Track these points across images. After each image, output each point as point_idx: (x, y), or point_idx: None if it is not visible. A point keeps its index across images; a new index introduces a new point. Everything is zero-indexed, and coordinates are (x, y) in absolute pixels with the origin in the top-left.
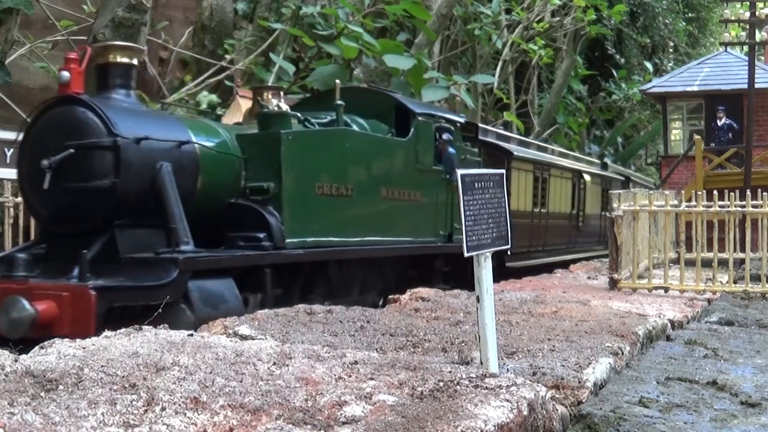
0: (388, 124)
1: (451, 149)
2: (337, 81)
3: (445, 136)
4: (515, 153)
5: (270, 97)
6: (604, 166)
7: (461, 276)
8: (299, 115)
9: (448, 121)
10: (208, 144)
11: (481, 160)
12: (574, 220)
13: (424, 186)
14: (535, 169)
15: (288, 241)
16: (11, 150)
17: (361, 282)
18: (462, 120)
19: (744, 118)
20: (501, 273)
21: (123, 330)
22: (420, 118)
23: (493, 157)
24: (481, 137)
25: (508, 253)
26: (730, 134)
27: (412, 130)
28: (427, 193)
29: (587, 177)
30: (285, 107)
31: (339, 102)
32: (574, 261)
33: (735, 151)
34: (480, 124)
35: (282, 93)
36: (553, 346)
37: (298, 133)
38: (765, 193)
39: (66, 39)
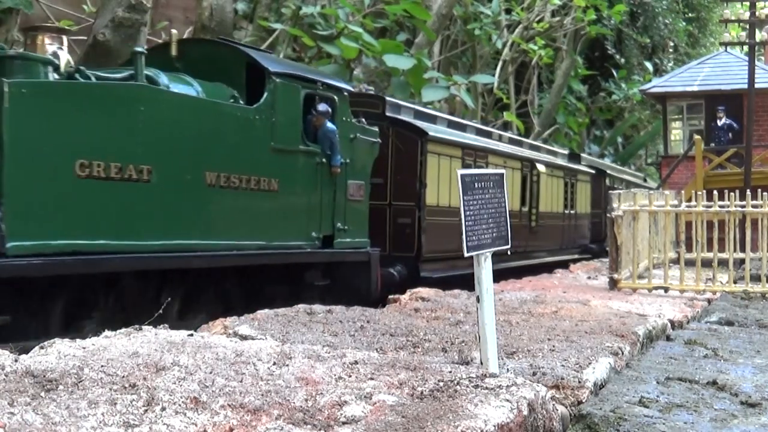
0: (236, 86)
1: (330, 125)
2: (173, 31)
3: (321, 107)
4: (431, 133)
5: (46, 40)
6: (575, 158)
7: (345, 290)
8: (59, 61)
9: (328, 87)
10: None
11: (392, 142)
12: (525, 219)
13: (286, 172)
14: (465, 154)
15: (12, 245)
16: None
17: (180, 302)
18: (349, 87)
19: (744, 118)
20: (413, 282)
21: (123, 330)
22: (278, 80)
23: (404, 138)
24: (390, 114)
25: (420, 260)
26: (730, 134)
27: (265, 94)
28: (289, 182)
29: (542, 168)
30: (65, 57)
31: (139, 49)
32: (527, 270)
33: (735, 151)
34: (389, 98)
35: (65, 36)
36: (553, 346)
37: (41, 86)
38: (765, 193)
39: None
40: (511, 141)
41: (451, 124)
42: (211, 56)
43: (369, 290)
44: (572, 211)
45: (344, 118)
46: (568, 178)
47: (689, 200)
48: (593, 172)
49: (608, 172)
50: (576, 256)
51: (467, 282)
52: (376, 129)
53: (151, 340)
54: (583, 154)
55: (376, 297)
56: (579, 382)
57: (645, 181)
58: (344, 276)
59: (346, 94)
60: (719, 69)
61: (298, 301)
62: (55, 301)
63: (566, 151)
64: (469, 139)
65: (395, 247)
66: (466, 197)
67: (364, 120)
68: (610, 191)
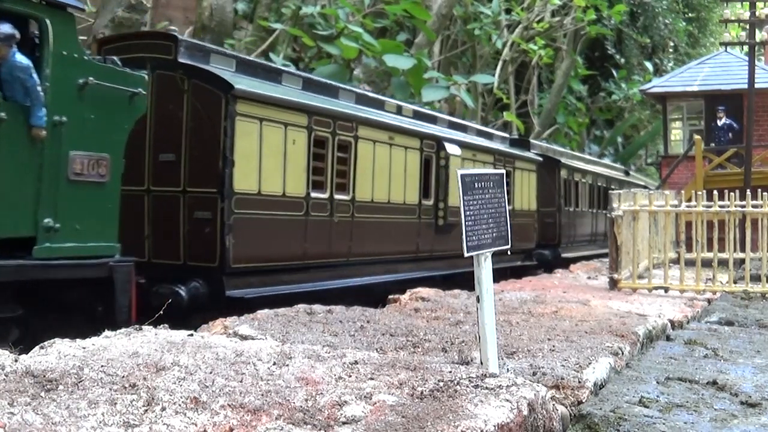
0: None
1: (20, 58)
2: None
3: (1, 28)
4: (240, 88)
5: None
6: (521, 144)
7: (63, 323)
8: None
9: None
10: None
11: (188, 99)
12: (428, 215)
13: None
14: (315, 123)
15: None
16: None
17: None
18: (75, 2)
19: (744, 118)
20: (216, 305)
21: (123, 330)
22: None
23: (202, 94)
24: (186, 60)
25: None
26: (730, 134)
27: None
28: None
29: (454, 149)
30: None
31: None
32: (424, 282)
33: (735, 151)
34: (186, 38)
35: None
36: (553, 346)
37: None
38: (765, 193)
39: None
40: (419, 115)
41: (312, 85)
42: None
43: (114, 320)
44: (509, 207)
45: (65, 52)
46: (501, 166)
47: (689, 200)
48: (540, 160)
49: (564, 161)
50: (517, 264)
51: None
52: (137, 74)
53: (151, 340)
54: (535, 141)
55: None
56: (579, 382)
57: (627, 175)
58: (66, 301)
59: (69, 11)
60: (719, 69)
61: None
62: None
63: (508, 135)
64: (329, 103)
65: (192, 255)
66: (466, 197)
67: (118, 60)
68: (611, 193)
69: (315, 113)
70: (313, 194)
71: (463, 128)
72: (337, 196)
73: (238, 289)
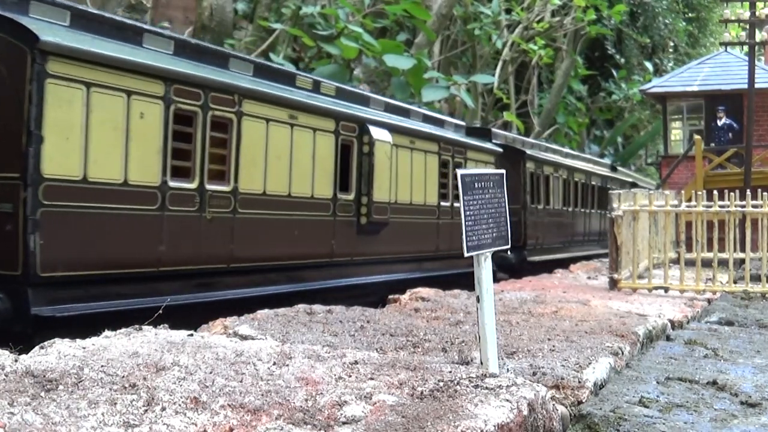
0: None
1: None
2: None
3: None
4: (49, 40)
5: None
6: (480, 133)
7: None
8: None
9: None
10: None
11: None
12: (347, 212)
13: None
14: (178, 94)
15: None
16: None
17: None
18: None
19: (744, 118)
20: (21, 327)
21: (123, 330)
22: None
23: (3, 49)
24: None
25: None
26: (730, 134)
27: None
28: None
29: (381, 134)
30: None
31: None
32: (341, 291)
33: (735, 151)
34: None
35: None
36: (553, 346)
37: None
38: (765, 193)
39: None
40: (344, 94)
41: (186, 50)
42: None
43: None
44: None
45: None
46: (448, 156)
47: (689, 200)
48: (499, 150)
49: (530, 153)
50: (470, 270)
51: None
52: None
53: (151, 340)
54: (499, 130)
55: None
56: (579, 382)
57: (614, 171)
58: None
59: None
60: (719, 69)
61: None
62: None
63: (464, 123)
64: (205, 71)
65: None
66: (466, 197)
67: None
68: (611, 193)
69: (176, 81)
70: (173, 183)
71: (403, 112)
72: (210, 187)
73: (52, 304)
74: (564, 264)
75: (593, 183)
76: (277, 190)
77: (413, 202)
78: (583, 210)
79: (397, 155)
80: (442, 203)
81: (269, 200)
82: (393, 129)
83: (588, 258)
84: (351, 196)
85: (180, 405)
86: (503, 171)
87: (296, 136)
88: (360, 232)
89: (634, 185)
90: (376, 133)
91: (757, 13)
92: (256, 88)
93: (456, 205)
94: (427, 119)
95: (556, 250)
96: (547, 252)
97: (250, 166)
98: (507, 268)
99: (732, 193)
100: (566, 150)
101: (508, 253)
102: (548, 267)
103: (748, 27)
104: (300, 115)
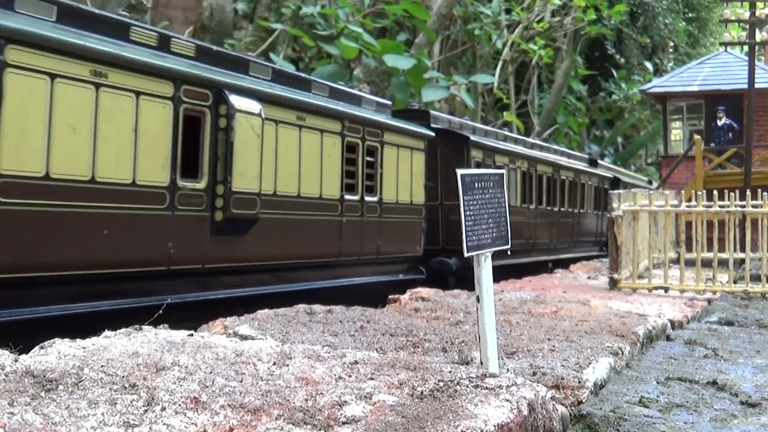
0: None
1: None
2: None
3: None
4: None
5: None
6: (409, 115)
7: None
8: None
9: None
10: None
11: None
12: (195, 206)
13: None
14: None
15: None
16: None
17: None
18: None
19: (744, 118)
20: None
21: (123, 330)
22: None
23: None
24: None
25: None
26: (730, 134)
27: None
28: None
29: (245, 105)
30: None
31: None
32: (181, 311)
33: (735, 151)
34: None
35: None
36: (553, 346)
37: None
38: (765, 193)
39: None
40: (211, 56)
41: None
42: None
43: None
44: (372, 198)
45: None
46: (357, 138)
47: (689, 200)
48: (430, 134)
49: (475, 139)
50: (397, 278)
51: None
52: None
53: (151, 340)
54: (442, 114)
55: None
56: (579, 382)
57: (594, 165)
58: None
59: None
60: (719, 69)
61: None
62: None
63: (390, 103)
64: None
65: None
66: (466, 197)
67: None
68: (611, 193)
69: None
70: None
71: (301, 83)
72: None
73: None
74: (527, 270)
75: (563, 177)
76: (73, 174)
77: (302, 195)
78: (550, 208)
79: (277, 134)
80: (348, 196)
81: (55, 187)
82: (267, 99)
83: (558, 263)
84: (201, 185)
85: (180, 405)
86: (503, 171)
87: (104, 101)
88: (216, 232)
89: (616, 182)
90: (238, 102)
91: (757, 13)
92: (27, 29)
93: (370, 198)
94: (336, 94)
95: (515, 253)
96: (499, 256)
97: (15, 139)
98: (446, 274)
99: (732, 193)
100: (532, 140)
101: (450, 260)
102: (503, 273)
103: (748, 27)
104: (112, 73)
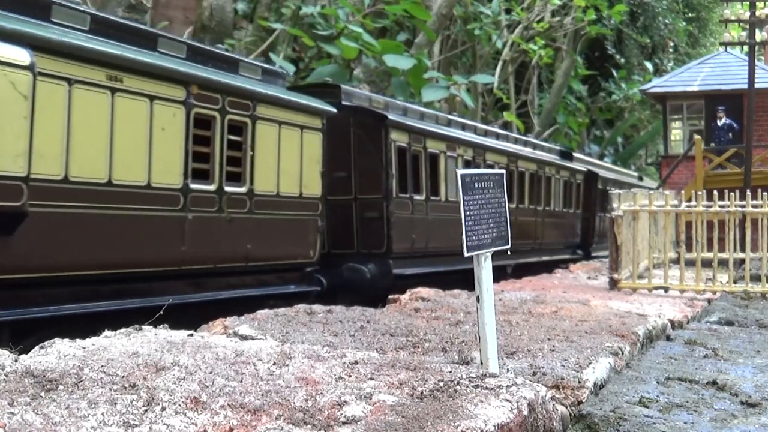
0: None
1: None
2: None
3: None
4: None
5: None
6: (314, 91)
7: None
8: None
9: None
10: None
11: None
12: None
13: None
14: None
15: None
16: None
17: None
18: None
19: (744, 118)
20: None
21: (123, 330)
22: None
23: None
24: None
25: None
26: (730, 134)
27: None
28: None
29: (4, 53)
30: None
31: None
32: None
33: (735, 151)
34: None
35: None
36: (553, 346)
37: None
38: (765, 193)
39: None
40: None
41: None
42: None
43: None
44: (238, 189)
45: None
46: (212, 110)
47: (689, 200)
48: (330, 110)
49: (395, 119)
50: (258, 293)
51: None
52: None
53: (151, 340)
54: (356, 89)
55: None
56: (579, 382)
57: (568, 158)
58: None
59: None
60: (719, 69)
61: None
62: None
63: (280, 70)
64: None
65: None
66: (466, 197)
67: None
68: (611, 193)
69: None
70: None
71: (141, 38)
72: None
73: None
74: (449, 281)
75: (522, 169)
76: None
77: (115, 182)
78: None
79: (70, 97)
80: (197, 186)
81: None
82: (47, 48)
83: (521, 268)
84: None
85: (180, 405)
86: (503, 171)
87: None
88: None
89: (591, 177)
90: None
91: (757, 13)
92: None
93: (234, 189)
94: (199, 55)
95: (454, 259)
96: (429, 262)
97: None
98: (355, 286)
99: (732, 193)
100: (487, 127)
101: (366, 266)
102: (426, 281)
103: (748, 27)
104: None
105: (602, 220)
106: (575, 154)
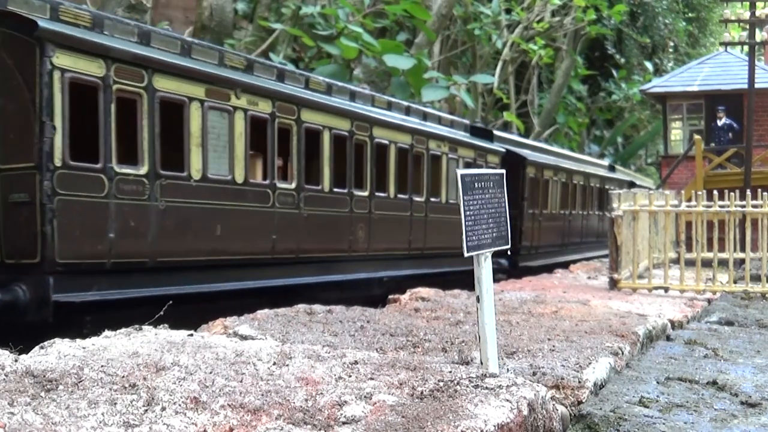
0: None
1: None
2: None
3: None
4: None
5: None
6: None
7: None
8: None
9: None
10: None
11: None
12: None
13: None
14: None
15: None
16: None
17: None
18: None
19: (744, 118)
20: None
21: (123, 330)
22: None
23: None
24: None
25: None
26: (730, 134)
27: None
28: None
29: None
30: None
31: None
32: None
33: (735, 151)
34: None
35: None
36: (553, 346)
37: None
38: (765, 193)
39: None
40: None
41: None
42: None
43: None
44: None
45: None
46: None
47: (689, 200)
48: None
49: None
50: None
51: None
52: None
53: (151, 340)
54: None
55: None
56: (579, 382)
57: (484, 137)
58: None
59: None
60: (719, 69)
61: None
62: None
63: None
64: None
65: None
66: (466, 197)
67: None
68: (611, 193)
69: None
70: None
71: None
72: None
73: None
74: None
75: (383, 141)
76: None
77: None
78: (434, 199)
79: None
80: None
81: None
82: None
83: (436, 277)
84: None
85: (180, 405)
86: (503, 171)
87: None
88: None
89: (514, 161)
90: None
91: (757, 13)
92: None
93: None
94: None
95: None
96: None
97: None
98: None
99: (732, 193)
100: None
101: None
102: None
103: (748, 27)
104: None
105: (535, 219)
106: (498, 133)
